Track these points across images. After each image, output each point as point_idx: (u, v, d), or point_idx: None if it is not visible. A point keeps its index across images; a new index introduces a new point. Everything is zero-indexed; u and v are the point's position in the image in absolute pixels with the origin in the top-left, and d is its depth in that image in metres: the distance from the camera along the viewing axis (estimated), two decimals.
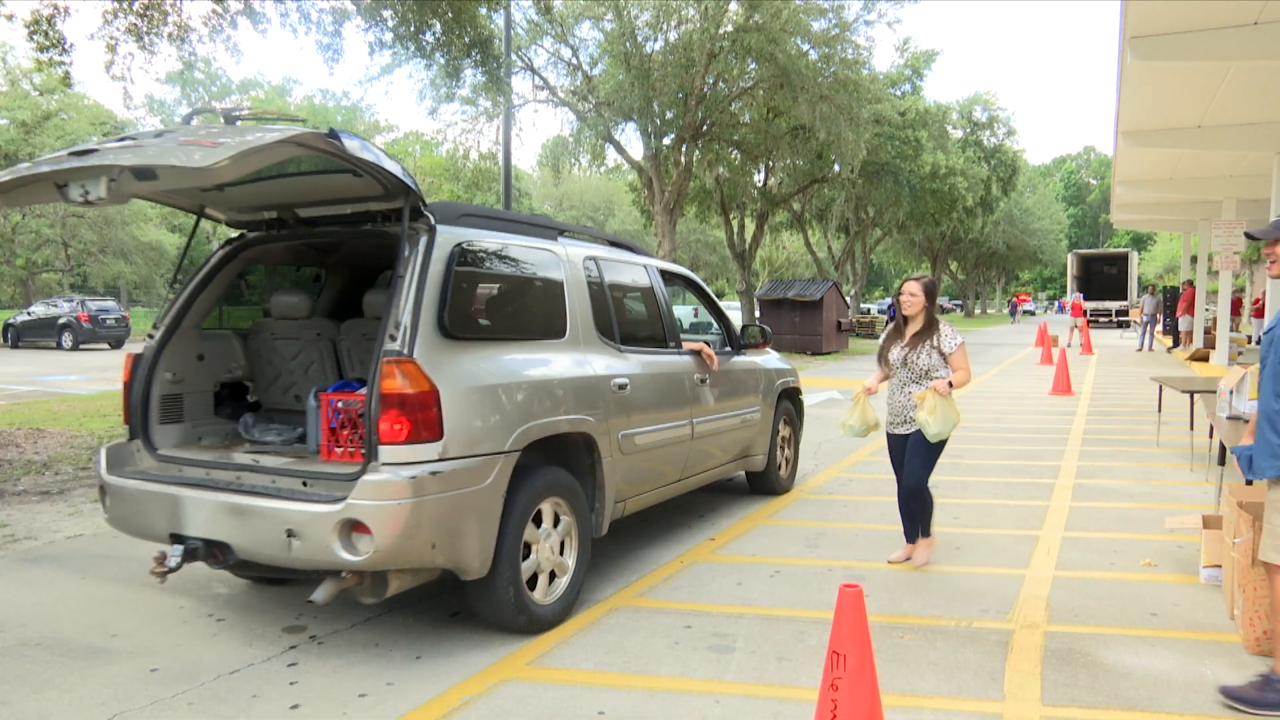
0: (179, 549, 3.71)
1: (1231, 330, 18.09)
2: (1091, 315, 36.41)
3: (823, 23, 19.91)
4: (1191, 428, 8.78)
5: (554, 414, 4.15)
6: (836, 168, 24.35)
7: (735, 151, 24.83)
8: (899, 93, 28.22)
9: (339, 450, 3.94)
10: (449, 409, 3.59)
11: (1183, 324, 23.39)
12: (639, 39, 20.04)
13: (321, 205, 4.28)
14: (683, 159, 21.95)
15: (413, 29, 10.78)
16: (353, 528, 3.42)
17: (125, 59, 9.50)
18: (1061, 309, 61.46)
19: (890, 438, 5.14)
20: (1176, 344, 24.33)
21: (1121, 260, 43.05)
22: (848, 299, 29.51)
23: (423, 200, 3.88)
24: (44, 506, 6.54)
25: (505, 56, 13.95)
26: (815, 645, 3.88)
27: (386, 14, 10.66)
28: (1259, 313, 20.24)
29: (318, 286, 5.37)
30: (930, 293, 5.02)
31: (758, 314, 24.45)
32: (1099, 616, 4.25)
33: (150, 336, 4.40)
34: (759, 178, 27.21)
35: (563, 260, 4.68)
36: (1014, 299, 59.63)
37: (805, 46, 19.67)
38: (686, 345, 5.71)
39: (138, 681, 3.55)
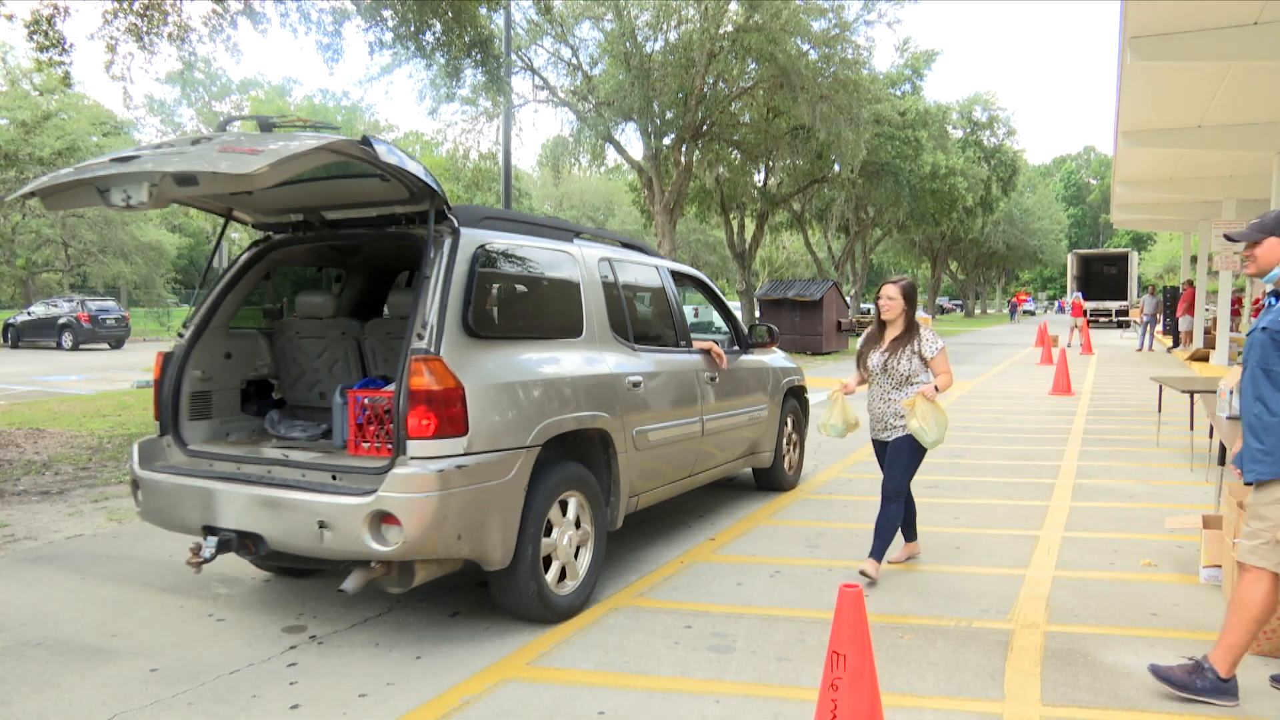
0: (213, 540, 3.82)
1: (1232, 330, 18.08)
2: (1091, 315, 36.41)
3: (823, 23, 19.91)
4: (1191, 428, 8.78)
5: (572, 410, 4.27)
6: (836, 168, 24.36)
7: (735, 151, 24.83)
8: (899, 93, 28.22)
9: (366, 445, 4.07)
10: (474, 405, 3.71)
11: (1183, 324, 23.39)
12: (639, 39, 20.04)
13: (347, 208, 4.42)
14: (683, 159, 21.94)
15: (413, 29, 10.78)
16: (383, 519, 3.53)
17: (125, 59, 9.50)
18: (1061, 309, 61.51)
19: (875, 443, 5.05)
20: (1176, 344, 24.34)
21: (1121, 260, 43.04)
22: (848, 299, 29.48)
23: (447, 204, 3.99)
24: (44, 506, 6.54)
25: (505, 56, 13.96)
26: (815, 645, 3.88)
27: (386, 14, 10.66)
28: (1259, 313, 20.21)
29: (338, 287, 5.50)
30: (909, 296, 4.87)
31: (758, 314, 24.44)
32: (1099, 616, 4.25)
33: (180, 335, 4.53)
34: (759, 178, 27.21)
35: (579, 261, 4.80)
36: (1013, 299, 59.66)
37: (805, 46, 19.67)
38: (696, 344, 5.82)
39: (138, 681, 3.55)
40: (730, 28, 19.34)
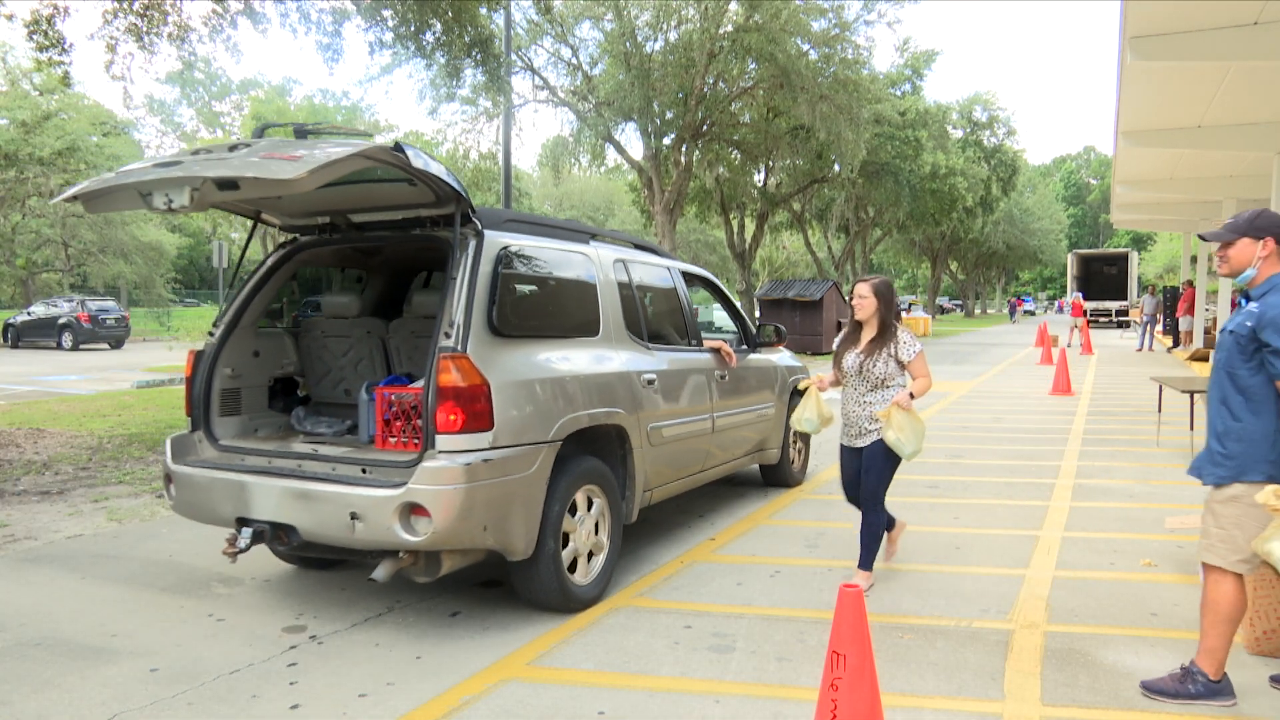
0: (248, 531, 3.95)
1: None
2: (1091, 315, 36.42)
3: (823, 23, 19.93)
4: (1191, 428, 8.78)
5: (591, 407, 4.41)
6: (836, 168, 24.37)
7: (735, 151, 24.84)
8: (899, 93, 28.25)
9: (393, 440, 4.21)
10: (498, 401, 3.84)
11: (1183, 324, 23.40)
12: (639, 39, 20.04)
13: (373, 211, 4.55)
14: (683, 159, 21.95)
15: (413, 29, 10.78)
16: (412, 510, 3.66)
17: (125, 59, 9.50)
18: (1061, 309, 61.55)
19: (843, 450, 4.80)
20: (1176, 344, 24.34)
21: (1121, 260, 43.03)
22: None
23: (472, 207, 4.11)
24: (44, 506, 6.54)
25: (505, 56, 13.96)
26: (815, 645, 3.88)
27: (386, 14, 10.66)
28: None
29: (360, 287, 5.64)
30: (883, 295, 4.64)
31: (758, 314, 24.44)
32: (1099, 616, 4.25)
33: (211, 334, 4.68)
34: (759, 178, 27.22)
35: (595, 262, 4.95)
36: (1013, 300, 59.78)
37: (805, 46, 19.68)
38: (707, 343, 5.94)
39: (138, 681, 3.55)
40: (730, 28, 19.35)
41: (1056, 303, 76.37)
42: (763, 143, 23.36)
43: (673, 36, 20.28)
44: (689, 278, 6.25)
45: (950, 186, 29.32)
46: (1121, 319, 40.62)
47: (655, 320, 5.59)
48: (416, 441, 4.06)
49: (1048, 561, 5.13)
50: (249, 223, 4.86)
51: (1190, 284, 23.56)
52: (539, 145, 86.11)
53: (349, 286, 5.72)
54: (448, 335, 3.81)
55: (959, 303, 70.64)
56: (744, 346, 6.57)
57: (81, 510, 6.44)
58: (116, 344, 26.76)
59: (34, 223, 31.66)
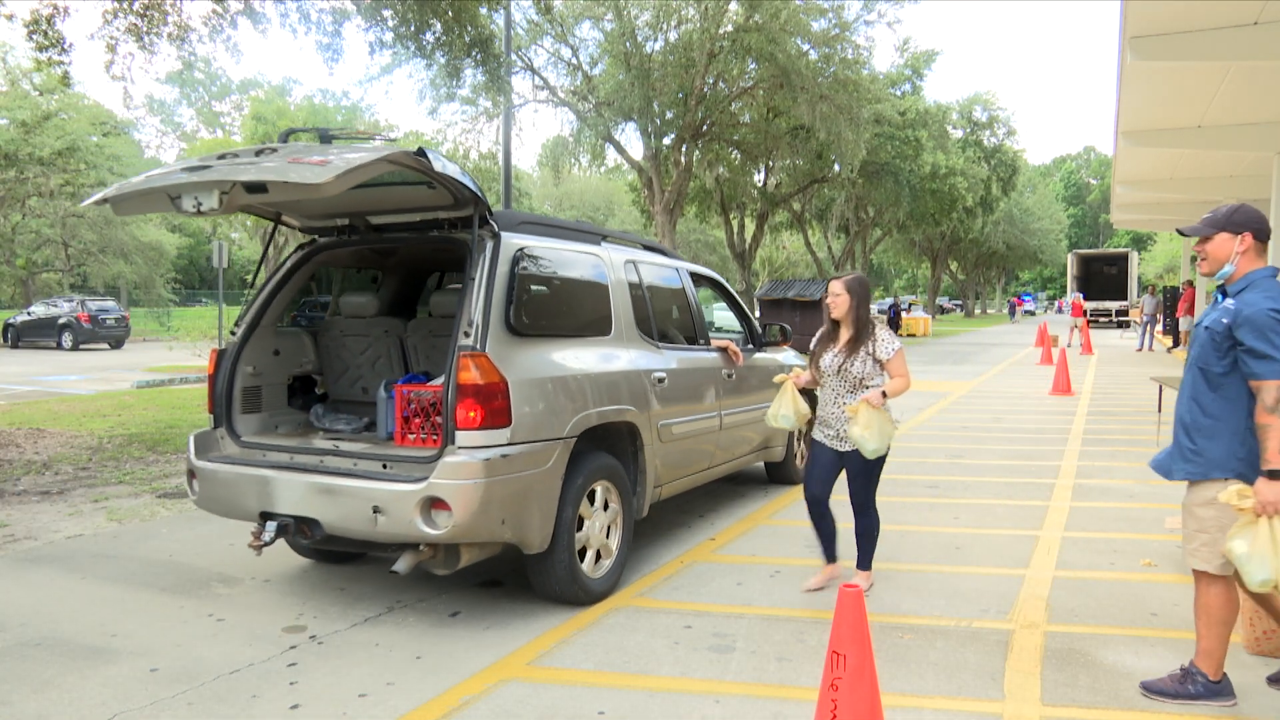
0: (273, 525, 4.06)
1: None
2: (1091, 315, 36.41)
3: (823, 23, 19.94)
4: None
5: (604, 404, 4.51)
6: (836, 168, 24.37)
7: (735, 151, 24.84)
8: (899, 93, 28.24)
9: (412, 437, 4.31)
10: (516, 398, 3.94)
11: (1183, 324, 23.38)
12: (639, 39, 20.05)
13: (392, 213, 4.64)
14: (683, 159, 21.95)
15: (413, 29, 10.77)
16: (433, 504, 3.76)
17: (125, 59, 9.49)
18: (1060, 309, 61.55)
19: (816, 445, 4.69)
20: (1176, 344, 24.34)
21: (1121, 260, 43.03)
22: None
23: (489, 210, 4.19)
24: (44, 506, 6.54)
25: (505, 56, 13.96)
26: (815, 645, 3.88)
27: (386, 14, 10.65)
28: None
29: (375, 287, 5.74)
30: (857, 292, 4.50)
31: (758, 313, 24.44)
32: (1099, 616, 4.25)
33: (233, 334, 4.80)
34: (759, 178, 27.23)
35: (606, 263, 5.05)
36: (1013, 299, 59.86)
37: (805, 46, 19.68)
38: (714, 342, 6.04)
39: (138, 681, 3.55)
40: (730, 28, 19.36)
41: (1056, 303, 76.36)
42: (763, 143, 23.37)
43: (673, 36, 20.28)
44: (696, 278, 6.36)
45: (950, 186, 29.32)
46: (1121, 319, 40.62)
47: (664, 320, 5.68)
48: (435, 438, 4.17)
49: (1048, 561, 5.13)
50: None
51: (1190, 284, 23.57)
52: (539, 145, 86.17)
53: (365, 286, 5.82)
54: (467, 334, 3.90)
55: (959, 303, 70.64)
56: (750, 346, 6.68)
57: (81, 510, 6.45)
58: (116, 344, 26.76)
59: (34, 223, 31.66)
